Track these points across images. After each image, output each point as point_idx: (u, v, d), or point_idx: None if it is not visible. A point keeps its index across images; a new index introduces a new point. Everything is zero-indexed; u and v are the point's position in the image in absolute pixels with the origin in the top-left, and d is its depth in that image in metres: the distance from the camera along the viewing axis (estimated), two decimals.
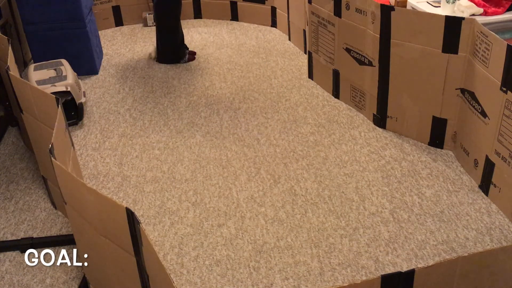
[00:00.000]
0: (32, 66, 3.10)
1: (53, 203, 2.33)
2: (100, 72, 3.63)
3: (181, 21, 4.83)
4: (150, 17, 4.45)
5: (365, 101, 2.86)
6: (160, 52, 3.72)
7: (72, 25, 3.41)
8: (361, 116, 2.91)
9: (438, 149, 2.58)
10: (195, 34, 4.25)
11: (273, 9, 4.20)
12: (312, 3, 3.08)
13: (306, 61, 3.45)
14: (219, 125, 2.90)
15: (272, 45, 3.92)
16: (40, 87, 2.63)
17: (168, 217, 2.22)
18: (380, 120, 2.77)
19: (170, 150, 2.69)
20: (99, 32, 4.20)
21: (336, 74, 3.05)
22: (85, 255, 1.64)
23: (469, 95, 2.31)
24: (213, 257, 2.00)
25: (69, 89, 2.89)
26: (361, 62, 2.78)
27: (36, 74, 2.99)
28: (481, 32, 2.15)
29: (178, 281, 1.91)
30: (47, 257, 2.04)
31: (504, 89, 2.04)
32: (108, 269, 1.50)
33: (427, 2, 2.91)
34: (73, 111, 2.95)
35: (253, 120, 2.92)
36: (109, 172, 2.54)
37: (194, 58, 3.74)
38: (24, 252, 2.07)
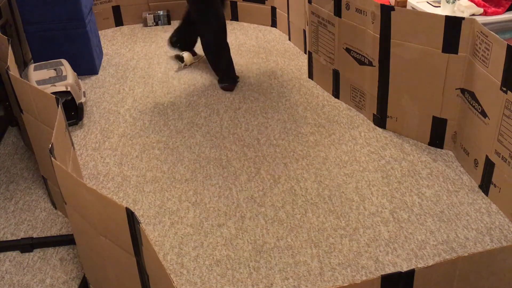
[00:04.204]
0: (32, 66, 3.10)
1: (53, 203, 2.33)
2: (100, 72, 3.63)
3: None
4: (150, 17, 4.45)
5: (365, 101, 2.86)
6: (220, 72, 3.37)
7: (72, 25, 3.41)
8: (361, 116, 2.91)
9: (438, 149, 2.58)
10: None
11: (273, 9, 4.20)
12: (312, 3, 3.08)
13: (306, 61, 3.45)
14: (219, 125, 2.90)
15: (272, 45, 3.92)
16: (40, 87, 2.63)
17: (168, 217, 2.22)
18: (380, 120, 2.77)
19: (170, 150, 2.69)
20: (99, 32, 4.20)
21: (336, 74, 3.05)
22: (85, 255, 1.64)
23: (469, 95, 2.31)
24: (213, 257, 2.00)
25: (69, 89, 2.89)
26: (361, 62, 2.78)
27: (36, 74, 2.99)
28: (481, 32, 2.15)
29: (178, 281, 1.91)
30: (47, 257, 2.04)
31: (504, 89, 2.04)
32: (108, 269, 1.50)
33: (427, 2, 2.91)
34: (73, 111, 2.95)
35: (253, 120, 2.92)
36: (109, 172, 2.54)
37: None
38: (24, 252, 2.07)
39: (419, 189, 2.32)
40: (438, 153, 2.56)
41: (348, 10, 2.75)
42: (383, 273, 1.49)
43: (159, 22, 4.48)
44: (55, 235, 2.15)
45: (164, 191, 2.38)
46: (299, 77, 3.41)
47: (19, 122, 2.64)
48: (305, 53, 3.64)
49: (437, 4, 2.86)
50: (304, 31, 3.63)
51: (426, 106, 2.52)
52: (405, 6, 3.00)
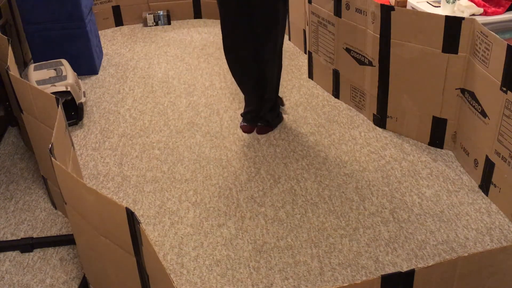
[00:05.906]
0: (32, 66, 3.10)
1: (53, 203, 2.33)
2: (100, 72, 3.63)
3: (181, 21, 4.84)
4: (150, 17, 4.45)
5: (365, 101, 2.86)
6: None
7: (72, 25, 3.41)
8: (361, 116, 2.91)
9: (438, 149, 2.58)
10: (195, 34, 4.25)
11: None
12: (312, 3, 3.08)
13: (306, 61, 3.45)
14: (219, 125, 2.90)
15: None
16: (40, 87, 2.63)
17: (168, 217, 2.22)
18: (380, 120, 2.77)
19: (170, 150, 2.69)
20: (99, 32, 4.20)
21: (336, 74, 3.05)
22: (85, 255, 1.64)
23: (469, 95, 2.31)
24: (213, 257, 2.00)
25: (69, 89, 2.89)
26: (361, 62, 2.78)
27: (36, 74, 2.99)
28: (481, 32, 2.15)
29: (178, 281, 1.91)
30: (47, 257, 2.04)
31: (504, 89, 2.04)
32: (108, 269, 1.50)
33: (427, 2, 2.91)
34: (73, 111, 2.95)
35: None
36: (109, 172, 2.54)
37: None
38: (24, 252, 2.07)
39: (419, 189, 2.32)
40: (438, 153, 2.56)
41: (348, 10, 2.75)
42: (383, 273, 1.49)
43: (159, 22, 4.48)
44: (55, 235, 2.15)
45: (164, 191, 2.38)
46: (299, 77, 3.41)
47: (19, 122, 2.64)
48: (305, 53, 3.64)
49: (437, 4, 2.86)
50: (304, 31, 3.62)
51: (426, 106, 2.52)
52: (405, 6, 2.99)
